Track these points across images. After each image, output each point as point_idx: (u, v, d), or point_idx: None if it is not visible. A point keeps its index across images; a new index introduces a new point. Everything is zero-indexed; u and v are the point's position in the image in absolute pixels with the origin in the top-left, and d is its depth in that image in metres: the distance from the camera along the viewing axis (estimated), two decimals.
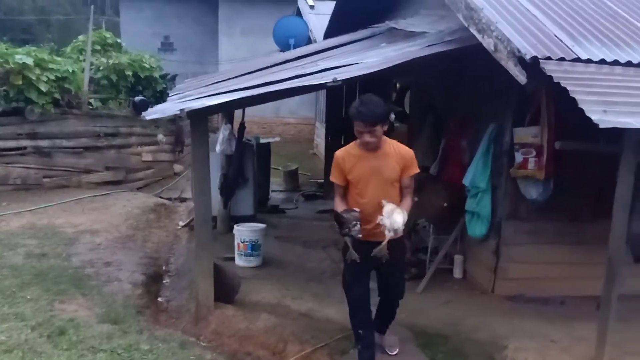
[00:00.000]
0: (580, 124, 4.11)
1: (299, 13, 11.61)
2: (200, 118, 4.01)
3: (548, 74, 3.08)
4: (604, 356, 3.57)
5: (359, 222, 3.22)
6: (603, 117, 2.64)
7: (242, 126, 6.45)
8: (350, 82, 3.80)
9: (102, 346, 3.34)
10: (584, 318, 4.46)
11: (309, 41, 9.97)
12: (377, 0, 7.02)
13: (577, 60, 3.32)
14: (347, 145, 3.48)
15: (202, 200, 4.25)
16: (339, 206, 3.43)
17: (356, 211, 3.28)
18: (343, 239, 3.38)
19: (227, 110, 4.04)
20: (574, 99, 2.91)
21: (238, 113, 6.64)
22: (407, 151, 3.45)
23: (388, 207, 3.24)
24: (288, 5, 13.38)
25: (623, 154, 3.30)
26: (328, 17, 8.65)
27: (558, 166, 4.37)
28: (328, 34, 8.00)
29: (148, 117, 3.67)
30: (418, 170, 3.47)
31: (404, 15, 6.39)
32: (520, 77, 3.22)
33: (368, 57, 4.42)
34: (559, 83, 2.94)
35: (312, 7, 11.03)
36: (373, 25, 6.60)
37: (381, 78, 7.24)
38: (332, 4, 8.81)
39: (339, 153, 3.46)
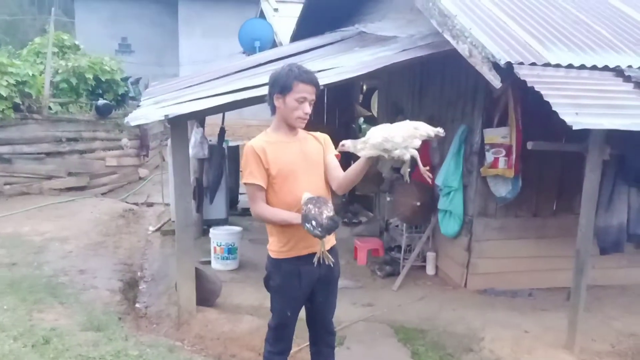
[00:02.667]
0: (543, 123, 4.38)
1: (262, 15, 11.60)
2: (180, 123, 4.02)
3: (522, 78, 3.26)
4: (574, 343, 3.79)
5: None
6: (576, 119, 2.83)
7: (222, 130, 6.44)
8: (330, 87, 3.85)
9: (90, 354, 3.30)
10: (551, 308, 4.73)
11: (274, 44, 10.00)
12: (345, 5, 7.15)
13: (547, 65, 3.52)
14: (257, 137, 2.72)
15: (182, 204, 4.25)
16: (277, 213, 2.64)
17: (321, 197, 2.58)
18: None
19: (211, 114, 4.06)
20: (540, 100, 3.10)
21: (211, 116, 6.64)
22: (320, 133, 2.86)
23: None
24: (250, 7, 13.34)
25: (589, 152, 3.52)
26: (292, 20, 8.71)
27: (524, 164, 4.62)
28: (295, 37, 8.07)
29: (132, 124, 3.64)
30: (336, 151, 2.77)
31: (372, 19, 6.53)
32: (495, 81, 3.39)
33: (344, 61, 4.52)
34: (533, 87, 3.12)
35: (275, 10, 11.04)
36: (341, 29, 6.72)
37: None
38: (296, 7, 8.87)
39: (253, 143, 2.64)
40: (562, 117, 2.84)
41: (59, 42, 11.07)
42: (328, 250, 2.73)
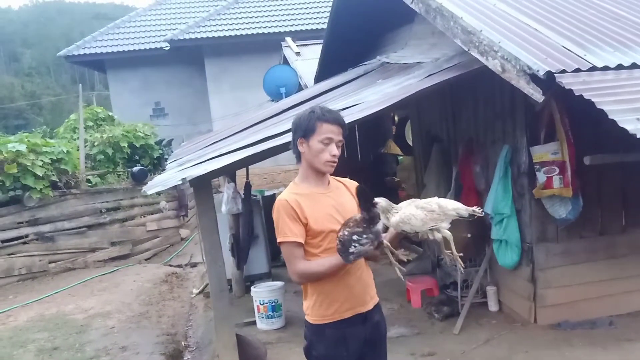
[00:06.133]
0: (596, 133, 3.95)
1: (285, 62, 11.58)
2: (203, 183, 3.82)
3: (567, 87, 2.88)
4: None
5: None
6: (639, 125, 2.42)
7: (248, 185, 6.29)
8: (353, 124, 3.57)
9: None
10: (637, 338, 4.16)
11: (300, 88, 9.89)
12: (365, 39, 6.96)
13: (593, 68, 3.13)
14: (286, 190, 2.47)
15: (215, 269, 4.00)
16: (323, 262, 2.33)
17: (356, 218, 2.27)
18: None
19: (231, 171, 3.84)
20: (590, 109, 2.71)
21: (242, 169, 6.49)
22: (349, 180, 2.61)
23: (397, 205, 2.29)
24: (273, 56, 13.40)
25: None
26: (315, 62, 8.59)
27: (581, 180, 4.16)
28: (319, 78, 7.91)
29: (149, 192, 3.46)
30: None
31: (394, 49, 6.29)
32: (536, 94, 3.02)
33: (367, 95, 4.25)
34: (581, 96, 2.73)
35: (297, 53, 11.00)
36: (364, 63, 6.50)
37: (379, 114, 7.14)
38: (317, 48, 8.75)
39: (286, 197, 2.38)
40: (621, 125, 2.45)
41: (93, 115, 11.36)
42: (370, 310, 2.45)
